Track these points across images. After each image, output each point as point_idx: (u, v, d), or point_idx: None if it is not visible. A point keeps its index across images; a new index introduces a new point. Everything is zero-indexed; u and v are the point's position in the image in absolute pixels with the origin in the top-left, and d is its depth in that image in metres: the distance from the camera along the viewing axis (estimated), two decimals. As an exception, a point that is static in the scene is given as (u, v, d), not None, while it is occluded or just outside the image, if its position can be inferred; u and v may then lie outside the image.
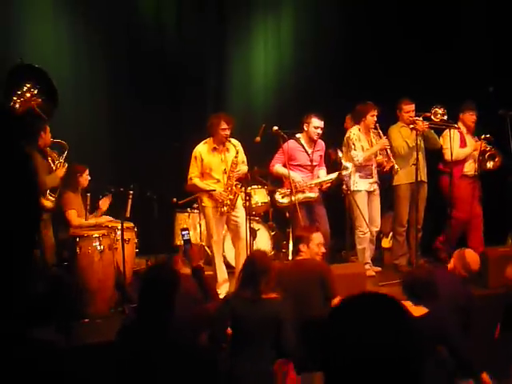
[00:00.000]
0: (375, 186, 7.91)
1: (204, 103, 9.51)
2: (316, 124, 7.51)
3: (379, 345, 1.56)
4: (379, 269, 7.96)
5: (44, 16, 8.41)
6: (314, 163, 7.62)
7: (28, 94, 6.82)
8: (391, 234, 8.58)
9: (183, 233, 5.09)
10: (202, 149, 7.20)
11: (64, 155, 7.08)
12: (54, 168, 6.99)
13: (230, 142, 7.13)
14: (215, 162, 7.14)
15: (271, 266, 4.77)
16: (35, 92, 6.80)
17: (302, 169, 7.58)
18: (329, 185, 7.62)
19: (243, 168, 7.23)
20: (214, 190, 7.06)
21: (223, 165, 7.14)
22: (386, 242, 8.81)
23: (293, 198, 7.28)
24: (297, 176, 7.47)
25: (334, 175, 7.60)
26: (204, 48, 9.44)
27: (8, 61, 7.97)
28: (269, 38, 9.97)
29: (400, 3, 9.53)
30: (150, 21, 9.27)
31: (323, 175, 7.68)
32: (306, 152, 7.59)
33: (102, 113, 8.76)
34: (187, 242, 5.01)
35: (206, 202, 7.19)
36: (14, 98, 6.70)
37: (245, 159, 7.31)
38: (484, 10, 9.33)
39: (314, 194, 7.48)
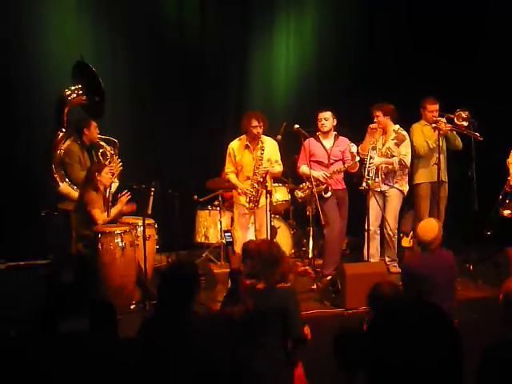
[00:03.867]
0: (386, 188, 7.88)
1: (225, 101, 9.54)
2: (318, 117, 7.60)
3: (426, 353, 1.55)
4: (399, 270, 7.95)
5: (68, 13, 8.49)
6: (333, 159, 7.64)
7: (74, 95, 7.25)
8: (411, 233, 8.55)
9: (226, 235, 5.13)
10: (235, 145, 7.26)
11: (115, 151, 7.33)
12: (105, 163, 7.18)
13: (260, 139, 7.16)
14: (247, 159, 7.19)
15: (284, 255, 4.76)
16: (80, 91, 7.22)
17: (320, 165, 7.63)
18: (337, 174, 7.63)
19: (276, 167, 7.27)
20: (241, 189, 7.15)
21: (254, 163, 7.19)
22: (406, 242, 8.76)
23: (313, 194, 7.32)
24: (317, 173, 7.50)
25: (341, 166, 7.65)
26: (226, 46, 9.46)
27: (33, 57, 8.14)
28: (291, 37, 9.94)
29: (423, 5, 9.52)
30: (172, 18, 9.28)
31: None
32: (324, 148, 7.63)
33: (124, 110, 8.81)
34: (229, 243, 5.04)
35: (236, 198, 7.26)
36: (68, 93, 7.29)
37: (278, 158, 7.33)
38: (508, 12, 9.31)
39: (327, 194, 7.48)
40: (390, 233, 7.95)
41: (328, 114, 7.59)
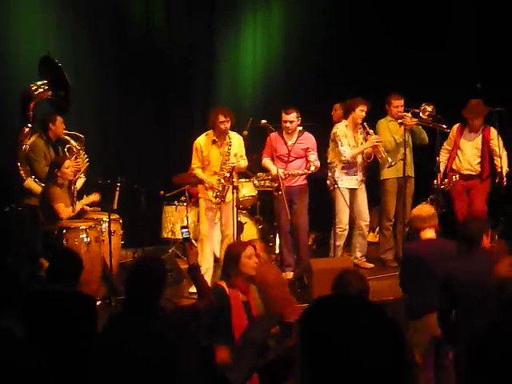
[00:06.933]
0: (360, 184, 7.92)
1: (192, 97, 9.50)
2: (283, 118, 7.55)
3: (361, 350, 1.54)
4: (372, 265, 7.98)
5: (33, 12, 8.40)
6: (293, 156, 7.60)
7: (40, 89, 7.17)
8: (378, 228, 8.61)
9: (183, 231, 5.08)
10: (201, 141, 7.21)
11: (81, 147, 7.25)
12: (71, 158, 7.08)
13: (228, 135, 7.12)
14: (214, 154, 7.16)
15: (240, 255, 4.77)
16: (46, 86, 7.15)
17: (280, 161, 7.63)
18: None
19: (241, 162, 7.24)
20: (208, 183, 7.12)
21: (222, 158, 7.15)
22: (371, 236, 8.82)
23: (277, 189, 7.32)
24: (274, 169, 7.48)
25: (301, 171, 7.60)
26: (193, 42, 9.41)
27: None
28: (258, 33, 9.95)
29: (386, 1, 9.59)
30: (138, 15, 9.23)
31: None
32: (286, 144, 7.61)
33: (90, 106, 8.72)
34: (186, 239, 5.01)
35: (203, 193, 7.23)
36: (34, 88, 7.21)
37: (243, 154, 7.31)
38: (471, 8, 9.41)
39: (278, 192, 7.46)
40: (368, 223, 8.01)
41: (293, 116, 7.49)
